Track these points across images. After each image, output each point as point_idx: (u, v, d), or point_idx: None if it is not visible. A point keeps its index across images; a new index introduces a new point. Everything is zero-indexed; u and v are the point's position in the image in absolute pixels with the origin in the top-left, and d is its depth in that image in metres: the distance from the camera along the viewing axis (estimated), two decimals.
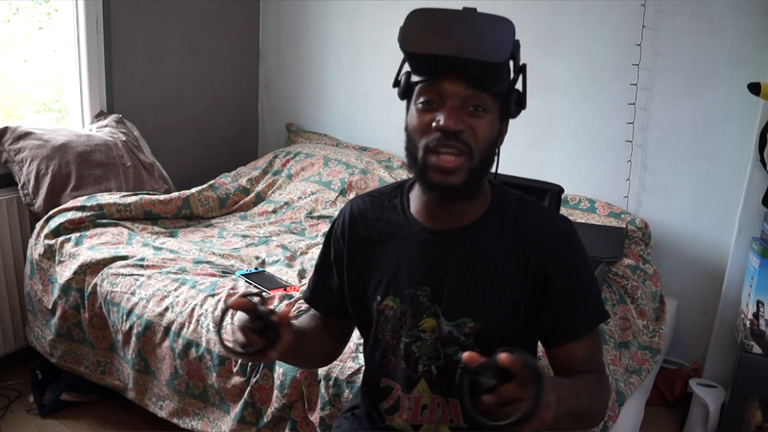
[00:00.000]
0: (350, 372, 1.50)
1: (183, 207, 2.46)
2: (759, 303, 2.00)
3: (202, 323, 1.74)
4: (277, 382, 1.60)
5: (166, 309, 1.80)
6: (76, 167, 2.28)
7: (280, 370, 1.60)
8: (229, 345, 0.93)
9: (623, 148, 2.49)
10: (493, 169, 1.03)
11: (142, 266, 1.95)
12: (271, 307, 0.96)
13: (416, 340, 1.06)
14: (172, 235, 2.31)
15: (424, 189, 1.00)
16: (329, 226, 1.19)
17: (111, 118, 2.57)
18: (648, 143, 2.47)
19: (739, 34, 2.23)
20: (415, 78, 0.98)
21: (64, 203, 2.19)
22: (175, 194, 2.46)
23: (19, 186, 2.24)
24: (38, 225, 2.13)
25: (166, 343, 1.79)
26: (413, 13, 0.94)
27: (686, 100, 2.37)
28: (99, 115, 2.59)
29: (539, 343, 1.11)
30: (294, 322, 1.08)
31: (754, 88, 1.96)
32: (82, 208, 2.16)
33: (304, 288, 1.29)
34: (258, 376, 1.63)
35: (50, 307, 2.03)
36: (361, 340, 1.20)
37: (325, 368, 1.53)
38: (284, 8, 3.20)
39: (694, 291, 2.48)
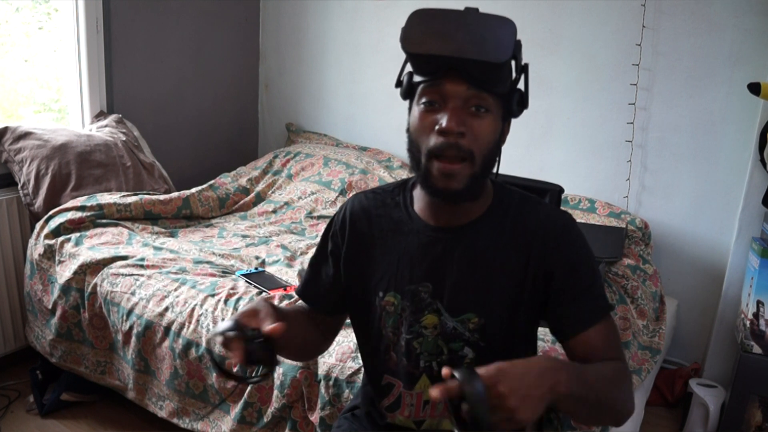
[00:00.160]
0: (350, 372, 1.50)
1: (183, 207, 2.46)
2: (759, 303, 2.00)
3: (202, 323, 1.74)
4: (277, 382, 1.61)
5: (166, 309, 1.80)
6: (76, 167, 2.28)
7: (280, 370, 1.60)
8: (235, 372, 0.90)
9: (623, 148, 2.49)
10: (494, 169, 1.03)
11: (142, 266, 1.95)
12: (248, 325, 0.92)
13: (417, 336, 1.06)
14: (172, 235, 2.31)
15: (426, 193, 1.01)
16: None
17: (111, 118, 2.57)
18: (648, 143, 2.47)
19: (739, 34, 2.24)
20: (417, 78, 0.98)
21: (64, 203, 2.19)
22: (175, 194, 2.46)
23: (19, 186, 2.24)
24: (38, 225, 2.13)
25: (166, 343, 1.79)
26: (415, 14, 0.95)
27: (686, 100, 2.37)
28: (99, 115, 2.59)
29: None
30: (281, 306, 1.08)
31: (754, 88, 1.96)
32: (82, 208, 2.16)
33: None
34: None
35: (50, 307, 2.03)
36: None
37: (325, 368, 1.53)
38: (284, 8, 3.20)
39: (694, 291, 2.48)
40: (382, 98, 2.98)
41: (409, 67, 1.01)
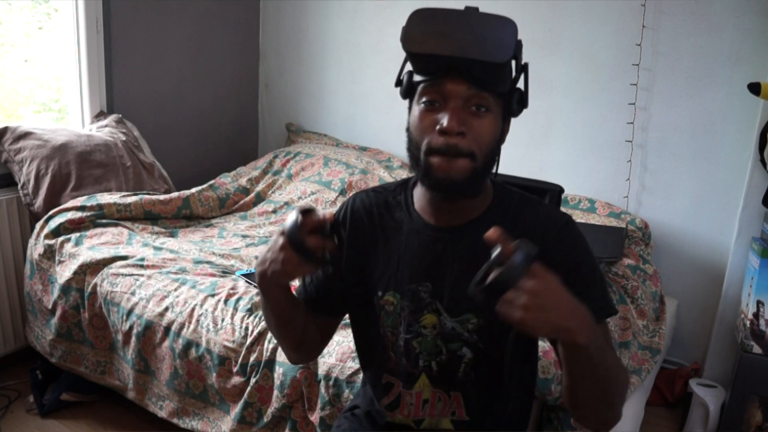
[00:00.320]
0: (350, 372, 1.50)
1: (183, 207, 2.46)
2: (759, 303, 2.00)
3: (202, 323, 1.74)
4: (277, 382, 1.61)
5: (166, 309, 1.80)
6: (76, 167, 2.28)
7: (280, 370, 1.60)
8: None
9: (623, 148, 2.49)
10: (494, 169, 1.03)
11: (142, 266, 1.95)
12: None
13: (417, 336, 1.06)
14: (172, 235, 2.31)
15: (426, 188, 1.01)
16: None
17: (111, 118, 2.57)
18: (648, 143, 2.47)
19: (739, 34, 2.24)
20: (417, 78, 0.98)
21: (64, 203, 2.19)
22: (175, 194, 2.46)
23: (19, 186, 2.24)
24: (38, 225, 2.13)
25: (166, 343, 1.79)
26: (415, 13, 0.94)
27: (686, 100, 2.37)
28: (99, 115, 2.59)
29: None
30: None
31: (754, 88, 1.96)
32: (82, 208, 2.16)
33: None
34: (258, 376, 1.63)
35: (50, 307, 2.03)
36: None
37: (325, 368, 1.53)
38: (284, 8, 3.20)
39: (694, 291, 2.49)
40: (382, 98, 2.98)
41: (409, 66, 1.00)
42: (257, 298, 1.75)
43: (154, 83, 2.81)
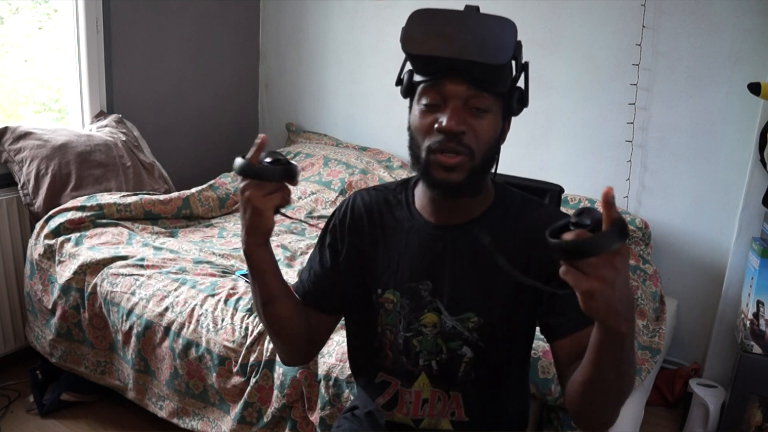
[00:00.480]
0: (350, 372, 1.50)
1: (183, 207, 2.46)
2: (759, 303, 2.00)
3: (202, 323, 1.74)
4: (277, 382, 1.61)
5: (166, 309, 1.80)
6: (76, 167, 2.28)
7: (280, 370, 1.60)
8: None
9: (623, 148, 2.49)
10: (493, 169, 1.03)
11: (142, 266, 1.95)
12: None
13: (417, 334, 1.06)
14: (172, 235, 2.31)
15: (427, 186, 1.01)
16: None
17: (111, 118, 2.57)
18: (648, 143, 2.47)
19: (739, 34, 2.24)
20: (417, 78, 0.98)
21: (64, 203, 2.19)
22: (175, 194, 2.46)
23: (19, 186, 2.24)
24: (38, 225, 2.13)
25: (166, 343, 1.79)
26: (415, 14, 0.95)
27: (686, 100, 2.37)
28: (99, 115, 2.59)
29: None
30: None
31: (754, 88, 1.96)
32: (82, 208, 2.16)
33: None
34: (258, 376, 1.63)
35: (50, 307, 2.03)
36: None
37: (325, 368, 1.53)
38: (284, 8, 3.20)
39: (694, 291, 2.48)
40: (382, 98, 2.98)
41: (409, 66, 1.01)
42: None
43: (154, 83, 2.81)
